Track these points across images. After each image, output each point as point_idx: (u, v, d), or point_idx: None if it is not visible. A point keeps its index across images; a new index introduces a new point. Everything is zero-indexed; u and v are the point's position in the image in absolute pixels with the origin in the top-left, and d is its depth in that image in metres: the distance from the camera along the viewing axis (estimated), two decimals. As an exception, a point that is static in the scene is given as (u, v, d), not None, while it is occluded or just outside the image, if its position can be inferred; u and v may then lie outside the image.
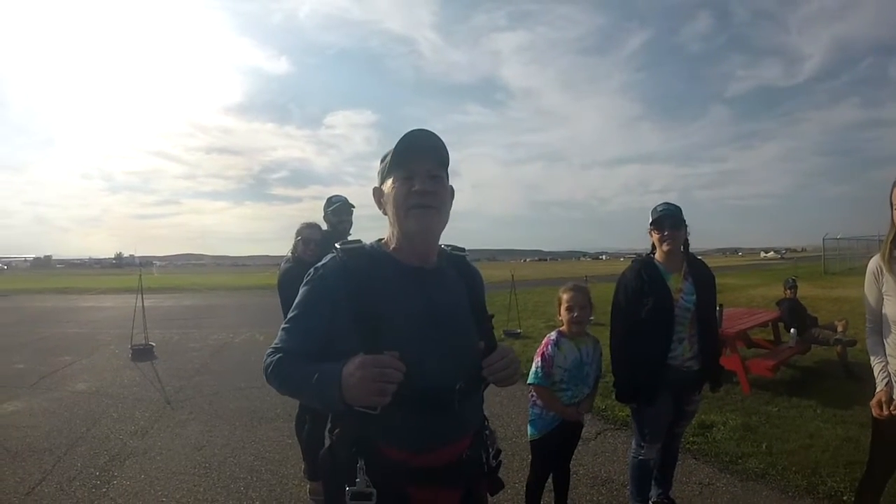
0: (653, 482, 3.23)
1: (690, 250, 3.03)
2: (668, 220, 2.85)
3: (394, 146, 1.38)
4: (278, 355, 1.37)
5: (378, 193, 1.47)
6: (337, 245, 1.45)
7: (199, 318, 14.76)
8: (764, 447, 4.15)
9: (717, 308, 3.10)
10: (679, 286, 2.89)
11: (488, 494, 1.55)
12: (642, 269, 2.92)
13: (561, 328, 2.97)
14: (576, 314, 2.88)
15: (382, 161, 1.45)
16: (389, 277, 1.39)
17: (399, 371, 1.19)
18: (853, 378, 5.91)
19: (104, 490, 3.74)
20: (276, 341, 1.42)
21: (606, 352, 3.04)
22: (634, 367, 2.91)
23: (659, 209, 2.89)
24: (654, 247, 2.98)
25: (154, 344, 9.18)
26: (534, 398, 2.97)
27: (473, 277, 1.57)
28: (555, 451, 3.00)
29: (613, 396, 3.18)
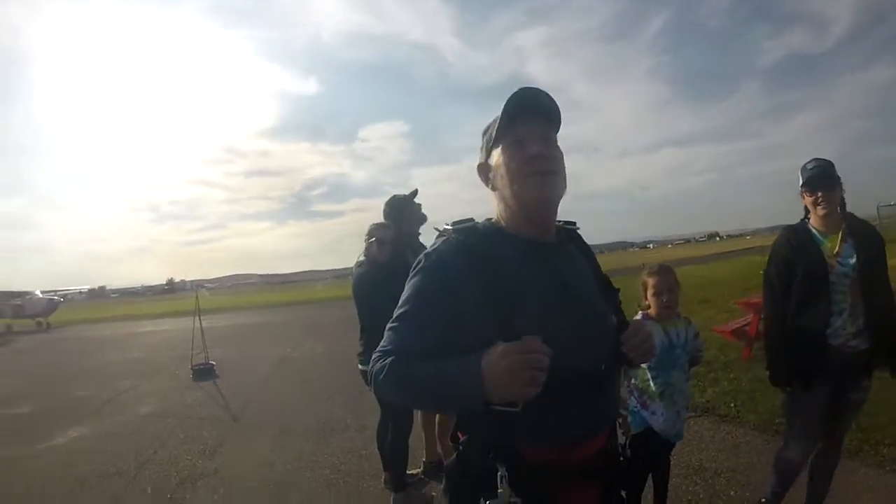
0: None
1: (847, 210, 2.65)
2: (821, 179, 2.50)
3: (502, 108, 1.26)
4: (390, 357, 1.20)
5: (484, 169, 1.35)
6: (447, 225, 1.32)
7: (256, 335, 14.92)
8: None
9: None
10: (836, 250, 2.51)
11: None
12: (791, 236, 2.62)
13: (647, 311, 2.77)
14: (665, 298, 2.70)
15: (485, 134, 1.35)
16: (513, 255, 1.25)
17: (547, 355, 1.05)
18: None
19: (178, 513, 3.61)
20: (383, 343, 1.24)
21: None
22: (792, 346, 2.57)
23: (809, 167, 2.56)
24: (807, 211, 2.65)
25: (214, 363, 9.15)
26: (630, 388, 2.73)
27: (590, 251, 1.48)
28: (651, 449, 2.71)
29: (768, 377, 2.77)
